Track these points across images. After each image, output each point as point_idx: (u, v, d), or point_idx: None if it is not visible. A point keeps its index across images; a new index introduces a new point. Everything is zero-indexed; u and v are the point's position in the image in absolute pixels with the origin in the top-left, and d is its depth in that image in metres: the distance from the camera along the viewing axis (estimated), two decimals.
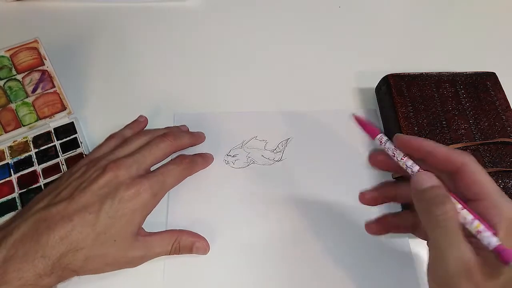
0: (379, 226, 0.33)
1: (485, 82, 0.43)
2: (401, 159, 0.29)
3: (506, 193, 0.36)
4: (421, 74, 0.43)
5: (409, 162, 0.29)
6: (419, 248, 0.37)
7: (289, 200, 0.40)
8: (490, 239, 0.23)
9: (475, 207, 0.26)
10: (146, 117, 0.42)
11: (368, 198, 0.33)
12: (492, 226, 0.24)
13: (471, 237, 0.25)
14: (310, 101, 0.46)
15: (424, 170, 0.28)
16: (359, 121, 0.32)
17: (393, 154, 0.29)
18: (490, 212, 0.25)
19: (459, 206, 0.25)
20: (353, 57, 0.51)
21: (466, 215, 0.24)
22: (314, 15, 0.55)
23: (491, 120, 0.40)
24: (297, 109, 0.45)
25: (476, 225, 0.24)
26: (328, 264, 0.36)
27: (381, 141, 0.30)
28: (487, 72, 0.44)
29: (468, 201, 0.27)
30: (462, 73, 0.44)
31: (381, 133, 0.30)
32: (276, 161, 0.42)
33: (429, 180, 0.27)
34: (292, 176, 0.41)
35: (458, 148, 0.38)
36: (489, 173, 0.36)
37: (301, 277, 0.36)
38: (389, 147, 0.30)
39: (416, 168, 0.28)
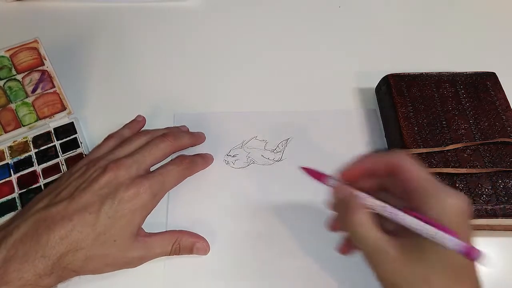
0: (349, 243, 0.33)
1: (485, 82, 0.43)
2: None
3: (506, 193, 0.36)
4: (421, 74, 0.43)
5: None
6: None
7: (289, 200, 0.40)
8: (454, 242, 0.24)
9: (415, 200, 0.27)
10: (144, 117, 0.42)
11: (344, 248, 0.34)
12: (446, 228, 0.25)
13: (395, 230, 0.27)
14: (310, 101, 0.46)
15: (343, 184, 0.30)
16: (307, 171, 0.32)
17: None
18: (428, 201, 0.26)
19: (410, 217, 0.26)
20: (353, 57, 0.51)
21: (423, 227, 0.25)
22: (314, 15, 0.55)
23: (491, 120, 0.40)
24: (297, 109, 0.45)
25: (440, 235, 0.24)
26: (329, 263, 0.36)
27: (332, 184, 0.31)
28: (487, 72, 0.44)
29: (407, 195, 0.28)
30: (462, 73, 0.44)
31: (329, 177, 0.31)
32: (276, 161, 0.42)
33: (341, 192, 0.29)
34: (292, 176, 0.41)
35: (458, 148, 0.38)
36: (489, 173, 0.37)
37: (302, 277, 0.36)
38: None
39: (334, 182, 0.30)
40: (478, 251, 0.23)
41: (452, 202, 0.25)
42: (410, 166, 0.28)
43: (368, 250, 0.27)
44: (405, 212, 0.26)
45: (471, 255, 0.23)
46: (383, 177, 0.30)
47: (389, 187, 0.30)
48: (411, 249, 0.26)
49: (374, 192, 0.29)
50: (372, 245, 0.27)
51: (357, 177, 0.30)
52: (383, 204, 0.28)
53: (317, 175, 0.32)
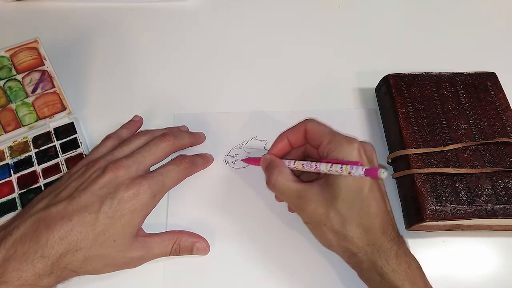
0: None
1: (485, 82, 0.43)
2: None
3: (506, 193, 0.36)
4: (421, 74, 0.43)
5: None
6: (414, 245, 0.37)
7: None
8: (357, 169, 0.29)
9: (322, 149, 0.33)
10: (141, 117, 0.43)
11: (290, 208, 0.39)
12: (344, 161, 0.31)
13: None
14: (310, 101, 0.46)
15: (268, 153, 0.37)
16: (247, 161, 0.41)
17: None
18: (330, 146, 0.32)
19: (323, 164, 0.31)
20: (353, 57, 0.51)
21: (333, 167, 0.30)
22: (314, 15, 0.55)
23: (491, 120, 0.40)
24: (297, 109, 0.45)
25: (345, 168, 0.30)
26: (330, 263, 0.37)
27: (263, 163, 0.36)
28: (487, 72, 0.44)
29: (320, 151, 0.33)
30: (462, 73, 0.44)
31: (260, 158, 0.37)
32: None
33: (264, 160, 0.36)
34: None
35: (458, 148, 0.38)
36: (489, 173, 0.37)
37: (302, 277, 0.36)
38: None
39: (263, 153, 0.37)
40: (377, 168, 0.28)
41: (352, 145, 0.32)
42: (315, 126, 0.35)
43: (291, 199, 0.33)
44: (317, 161, 0.32)
45: (372, 173, 0.28)
46: (302, 145, 0.37)
47: (309, 151, 0.37)
48: (323, 188, 0.31)
49: (300, 159, 0.35)
50: (294, 194, 0.32)
51: (283, 151, 0.37)
52: (301, 162, 0.33)
53: (256, 161, 0.38)
